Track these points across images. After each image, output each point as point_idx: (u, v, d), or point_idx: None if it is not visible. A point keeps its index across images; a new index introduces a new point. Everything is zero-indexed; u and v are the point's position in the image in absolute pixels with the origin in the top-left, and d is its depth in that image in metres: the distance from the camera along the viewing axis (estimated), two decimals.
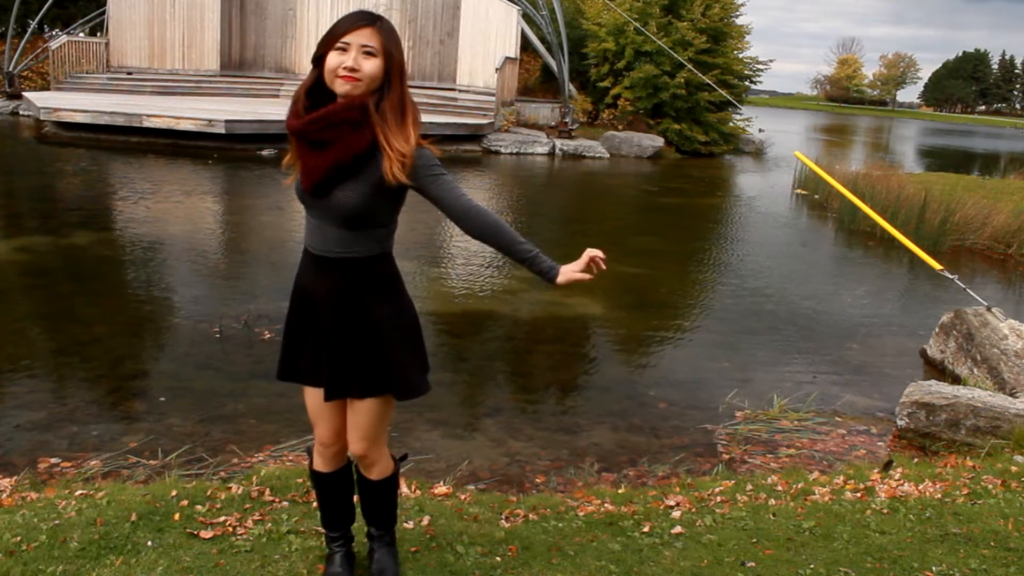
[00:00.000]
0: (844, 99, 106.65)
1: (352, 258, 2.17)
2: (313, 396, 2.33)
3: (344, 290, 2.19)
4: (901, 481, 3.61)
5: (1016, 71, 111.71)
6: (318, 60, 2.10)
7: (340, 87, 2.06)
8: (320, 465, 2.43)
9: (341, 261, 2.17)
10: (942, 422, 4.44)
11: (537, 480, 3.86)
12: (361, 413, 2.29)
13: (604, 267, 2.18)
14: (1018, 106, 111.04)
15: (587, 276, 2.18)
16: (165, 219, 9.51)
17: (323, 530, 2.59)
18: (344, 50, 2.04)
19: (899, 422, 4.63)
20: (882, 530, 3.10)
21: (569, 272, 2.17)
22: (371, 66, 2.05)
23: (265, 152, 14.68)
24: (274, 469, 3.36)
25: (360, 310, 2.20)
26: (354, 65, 2.04)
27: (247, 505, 2.98)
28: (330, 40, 2.07)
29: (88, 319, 5.85)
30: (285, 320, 2.34)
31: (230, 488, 3.11)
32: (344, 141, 2.06)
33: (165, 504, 2.93)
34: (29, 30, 22.36)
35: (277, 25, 22.53)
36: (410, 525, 2.89)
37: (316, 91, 2.11)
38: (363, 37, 2.04)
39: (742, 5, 23.03)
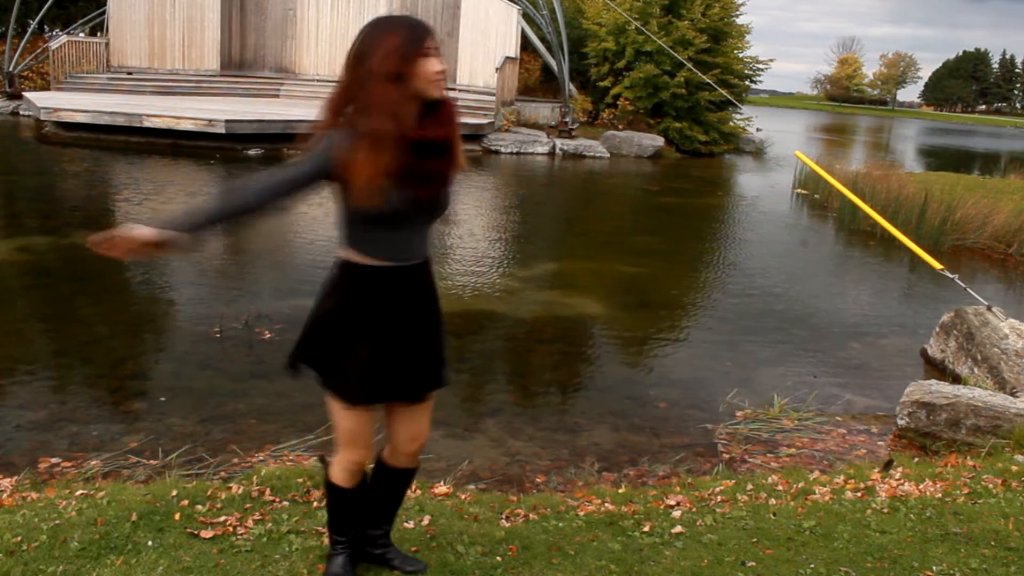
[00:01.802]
0: (844, 99, 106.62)
1: (428, 257, 2.28)
2: (364, 417, 2.28)
3: (424, 291, 2.28)
4: (901, 480, 3.61)
5: (1016, 70, 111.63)
6: (401, 75, 2.04)
7: (437, 91, 2.10)
8: (349, 482, 2.39)
9: (423, 263, 2.26)
10: (942, 421, 4.44)
11: (537, 480, 3.86)
12: (428, 407, 2.40)
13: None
14: (1018, 105, 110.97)
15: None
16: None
17: (327, 531, 2.58)
18: (429, 55, 2.08)
19: (899, 421, 4.62)
20: (882, 529, 3.10)
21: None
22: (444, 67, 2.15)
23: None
24: (274, 469, 3.36)
25: (432, 306, 2.31)
26: (442, 67, 2.11)
27: (247, 505, 2.98)
28: (417, 49, 2.05)
29: (89, 319, 5.85)
30: (354, 346, 2.20)
31: (230, 488, 3.11)
32: (458, 143, 2.19)
33: (165, 504, 2.93)
34: (29, 30, 22.36)
35: (277, 25, 22.53)
36: (410, 525, 2.89)
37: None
38: (434, 41, 2.11)
39: (742, 4, 23.02)
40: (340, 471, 2.37)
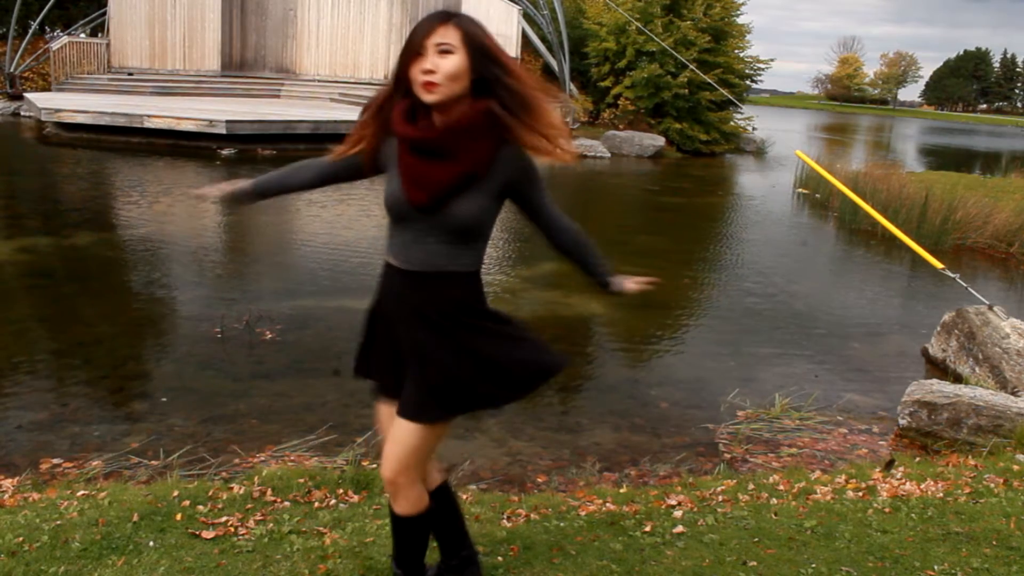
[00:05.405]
0: (845, 98, 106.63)
1: (436, 270, 2.07)
2: (379, 406, 2.29)
3: (417, 304, 2.08)
4: (903, 480, 3.61)
5: (1017, 70, 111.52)
6: (396, 76, 1.96)
7: (422, 92, 1.91)
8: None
9: (423, 274, 2.06)
10: (944, 421, 4.43)
11: (539, 480, 3.86)
12: (402, 427, 2.20)
13: None
14: (1019, 104, 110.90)
15: None
16: (167, 219, 9.52)
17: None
18: (422, 55, 1.91)
19: (901, 421, 4.62)
20: (884, 529, 3.10)
21: None
22: (448, 64, 1.91)
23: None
24: (276, 469, 3.36)
25: (423, 325, 2.08)
26: (431, 67, 1.89)
27: (249, 505, 2.98)
28: (409, 49, 1.93)
29: (90, 320, 5.85)
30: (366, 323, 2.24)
31: (232, 488, 3.12)
32: (468, 152, 1.96)
33: (167, 504, 2.93)
34: (30, 31, 22.37)
35: (277, 25, 22.54)
36: None
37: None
38: (437, 37, 1.93)
39: (743, 4, 23.06)
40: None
